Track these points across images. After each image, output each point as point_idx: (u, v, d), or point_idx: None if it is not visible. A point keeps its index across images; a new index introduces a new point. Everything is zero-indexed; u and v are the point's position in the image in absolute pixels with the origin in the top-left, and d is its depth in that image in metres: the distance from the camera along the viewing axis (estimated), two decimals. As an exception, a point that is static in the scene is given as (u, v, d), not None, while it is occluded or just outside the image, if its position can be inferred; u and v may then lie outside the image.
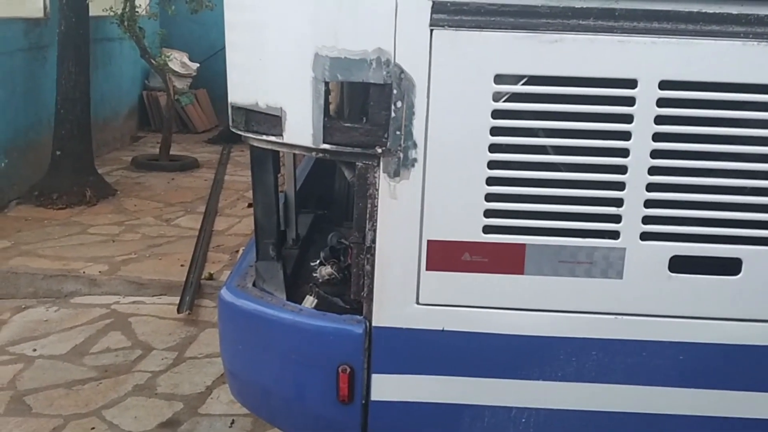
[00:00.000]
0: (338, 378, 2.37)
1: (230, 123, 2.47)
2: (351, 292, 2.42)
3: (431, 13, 2.12)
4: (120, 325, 5.09)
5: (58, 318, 5.18)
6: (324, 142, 2.25)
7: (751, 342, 2.31)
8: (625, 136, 2.18)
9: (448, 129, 2.20)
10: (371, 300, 2.34)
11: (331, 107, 2.31)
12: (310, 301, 2.57)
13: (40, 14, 7.91)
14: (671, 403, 2.36)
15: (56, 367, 4.50)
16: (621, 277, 2.27)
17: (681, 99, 2.15)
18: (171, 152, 9.04)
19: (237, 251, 6.19)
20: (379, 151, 2.23)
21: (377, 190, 2.27)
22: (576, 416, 2.38)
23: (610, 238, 2.26)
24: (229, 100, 2.44)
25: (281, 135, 2.30)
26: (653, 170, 2.20)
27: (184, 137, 10.48)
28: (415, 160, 2.22)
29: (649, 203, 2.22)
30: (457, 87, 2.17)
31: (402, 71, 2.16)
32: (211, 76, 11.13)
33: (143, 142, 10.31)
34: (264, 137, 2.37)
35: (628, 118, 2.17)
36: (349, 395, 2.38)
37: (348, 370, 2.36)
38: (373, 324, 2.35)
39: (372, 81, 2.18)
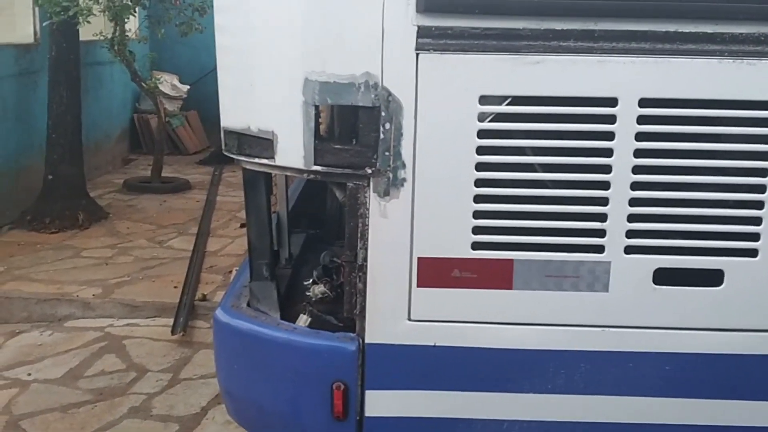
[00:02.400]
0: (333, 395, 2.41)
1: (223, 146, 2.52)
2: (344, 309, 2.47)
3: (417, 38, 2.19)
4: (114, 347, 5.10)
5: (52, 342, 5.18)
6: (315, 164, 2.31)
7: (734, 351, 2.36)
8: (608, 152, 2.24)
9: (435, 149, 2.26)
10: (364, 317, 2.39)
11: (321, 128, 2.36)
12: (303, 320, 2.61)
13: (30, 40, 7.95)
14: (658, 413, 2.40)
15: (51, 391, 4.50)
16: (607, 290, 2.33)
17: (660, 116, 2.21)
18: (163, 174, 9.05)
19: (230, 272, 6.20)
20: (369, 171, 2.28)
21: (368, 209, 2.32)
22: (566, 428, 2.43)
23: (595, 252, 2.31)
24: (222, 124, 2.50)
25: (273, 158, 2.35)
26: (635, 185, 2.26)
27: (176, 159, 10.50)
28: (404, 179, 2.28)
29: (632, 218, 2.28)
30: (443, 108, 2.23)
31: (390, 94, 2.22)
32: (202, 97, 11.17)
33: (135, 165, 10.32)
34: (256, 160, 2.42)
35: (609, 136, 2.23)
36: (343, 412, 2.42)
37: (342, 387, 2.40)
38: (366, 341, 2.40)
39: (361, 104, 2.24)
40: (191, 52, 10.93)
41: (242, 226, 7.53)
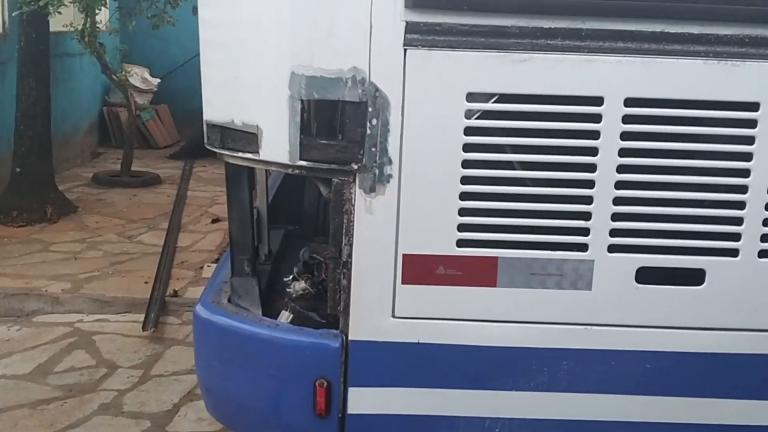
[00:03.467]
0: (315, 392, 2.39)
1: (205, 140, 2.49)
2: (327, 306, 2.46)
3: (405, 33, 2.18)
4: (84, 343, 5.02)
5: (20, 337, 5.09)
6: (300, 159, 2.29)
7: (715, 350, 2.39)
8: (593, 151, 2.25)
9: (422, 145, 2.25)
10: (348, 314, 2.38)
11: (307, 123, 2.34)
12: (285, 316, 2.59)
13: (-2, 30, 7.83)
14: (641, 411, 2.42)
15: (19, 387, 4.42)
16: (590, 289, 2.34)
17: (645, 116, 2.23)
18: (132, 168, 8.94)
19: (201, 267, 6.16)
20: (355, 167, 2.27)
21: (353, 205, 2.31)
22: (548, 425, 2.44)
23: (579, 250, 2.32)
24: (204, 117, 2.46)
25: (257, 152, 2.33)
26: (619, 184, 2.27)
27: (146, 153, 10.38)
28: (390, 176, 2.27)
29: (616, 216, 2.30)
30: (430, 105, 2.22)
31: (377, 89, 2.21)
32: (172, 91, 11.07)
33: (104, 158, 10.18)
34: (240, 154, 2.40)
35: (595, 135, 2.24)
36: (326, 409, 2.40)
37: (325, 384, 2.39)
38: (350, 338, 2.39)
39: (348, 99, 2.22)
40: (162, 45, 10.83)
41: (213, 221, 7.48)
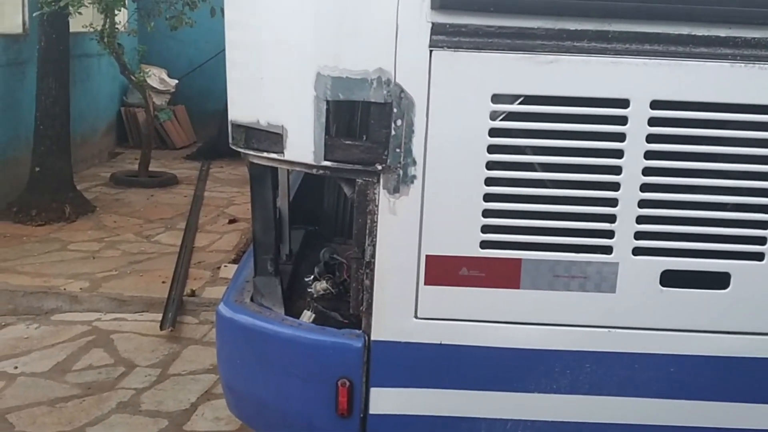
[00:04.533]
0: (337, 391, 2.40)
1: (230, 140, 2.50)
2: (350, 306, 2.46)
3: (431, 35, 2.18)
4: (102, 342, 5.05)
5: (39, 335, 5.12)
6: (325, 160, 2.30)
7: (739, 354, 2.38)
8: (618, 154, 2.25)
9: (446, 147, 2.25)
10: (370, 314, 2.38)
11: (332, 123, 2.35)
12: (308, 316, 2.60)
13: (19, 30, 7.88)
14: (663, 414, 2.41)
15: (38, 385, 4.45)
16: (614, 291, 2.33)
17: (671, 118, 2.22)
18: (150, 168, 8.99)
19: (218, 267, 6.18)
20: (379, 168, 2.28)
21: (377, 206, 2.31)
22: (570, 428, 2.43)
23: (603, 253, 2.32)
24: (229, 117, 2.47)
25: (282, 152, 2.34)
26: (645, 187, 2.27)
27: (163, 153, 10.42)
28: (414, 176, 2.27)
29: (641, 219, 2.29)
30: (455, 106, 2.22)
31: (402, 90, 2.21)
32: (190, 92, 11.13)
33: (121, 159, 10.24)
34: (264, 154, 2.41)
35: (620, 137, 2.24)
36: (348, 409, 2.41)
37: (347, 383, 2.39)
38: (372, 338, 2.39)
39: (373, 100, 2.23)
40: (180, 46, 10.89)
41: (230, 222, 7.50)
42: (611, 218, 2.29)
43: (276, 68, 2.32)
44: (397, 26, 2.18)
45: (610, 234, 2.30)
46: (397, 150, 2.25)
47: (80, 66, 9.05)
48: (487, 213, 2.29)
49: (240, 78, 2.44)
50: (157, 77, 10.53)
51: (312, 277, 2.84)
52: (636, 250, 2.31)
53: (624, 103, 2.21)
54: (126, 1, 7.81)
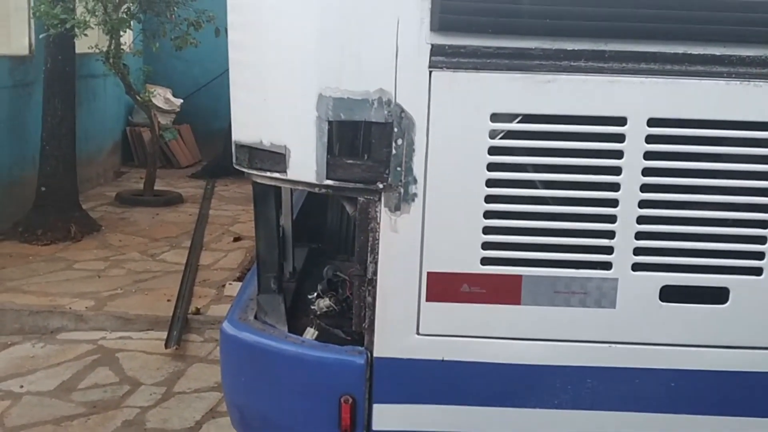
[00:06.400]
0: (340, 408, 2.42)
1: (234, 160, 2.53)
2: (352, 323, 2.48)
3: (430, 56, 2.22)
4: (107, 360, 5.08)
5: (44, 354, 5.16)
6: (327, 179, 2.33)
7: (739, 368, 2.39)
8: (616, 171, 2.28)
9: (446, 165, 2.28)
10: (372, 331, 2.40)
11: (334, 143, 2.38)
12: (311, 333, 2.62)
13: (25, 52, 7.96)
14: (664, 429, 2.43)
15: (44, 404, 4.48)
16: (614, 307, 2.35)
17: (668, 135, 2.25)
18: (155, 187, 9.05)
19: (223, 285, 6.21)
20: (381, 186, 2.31)
21: (378, 224, 2.34)
22: (572, 443, 2.45)
23: (603, 269, 2.34)
24: (233, 138, 2.51)
25: (285, 172, 2.37)
26: (643, 203, 2.29)
27: (168, 172, 10.49)
28: (415, 194, 2.30)
29: (639, 235, 2.31)
30: (455, 125, 2.26)
31: (402, 110, 2.25)
32: (195, 111, 11.21)
33: (127, 178, 10.30)
34: (268, 174, 2.44)
35: (618, 154, 2.27)
36: (350, 425, 2.42)
37: (350, 400, 2.41)
38: (375, 355, 2.41)
39: (374, 120, 2.26)
40: (184, 66, 10.97)
41: (235, 240, 7.54)
42: (610, 234, 2.32)
43: (279, 89, 2.36)
44: (397, 48, 2.22)
45: (609, 250, 2.33)
46: (398, 169, 2.29)
47: (86, 86, 9.14)
48: (487, 230, 2.32)
49: (244, 98, 2.48)
50: (162, 97, 10.61)
51: (315, 294, 2.86)
52: (635, 266, 2.33)
53: (621, 121, 2.24)
54: (131, 23, 7.88)
